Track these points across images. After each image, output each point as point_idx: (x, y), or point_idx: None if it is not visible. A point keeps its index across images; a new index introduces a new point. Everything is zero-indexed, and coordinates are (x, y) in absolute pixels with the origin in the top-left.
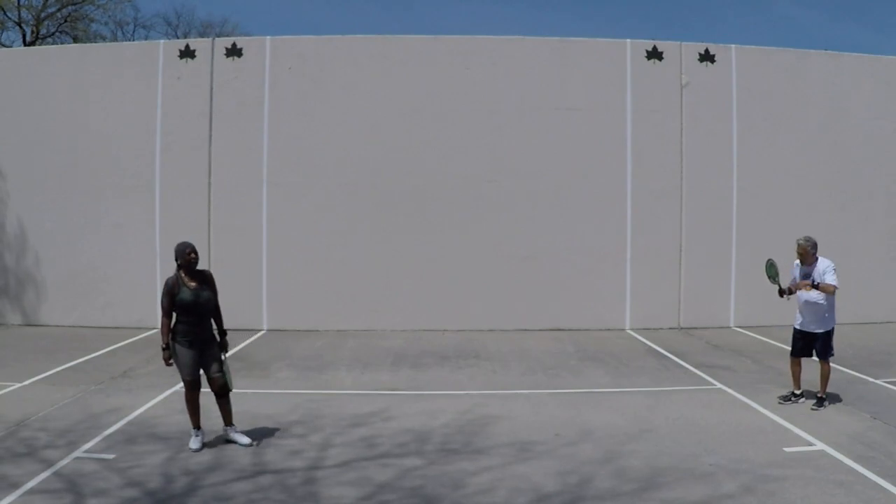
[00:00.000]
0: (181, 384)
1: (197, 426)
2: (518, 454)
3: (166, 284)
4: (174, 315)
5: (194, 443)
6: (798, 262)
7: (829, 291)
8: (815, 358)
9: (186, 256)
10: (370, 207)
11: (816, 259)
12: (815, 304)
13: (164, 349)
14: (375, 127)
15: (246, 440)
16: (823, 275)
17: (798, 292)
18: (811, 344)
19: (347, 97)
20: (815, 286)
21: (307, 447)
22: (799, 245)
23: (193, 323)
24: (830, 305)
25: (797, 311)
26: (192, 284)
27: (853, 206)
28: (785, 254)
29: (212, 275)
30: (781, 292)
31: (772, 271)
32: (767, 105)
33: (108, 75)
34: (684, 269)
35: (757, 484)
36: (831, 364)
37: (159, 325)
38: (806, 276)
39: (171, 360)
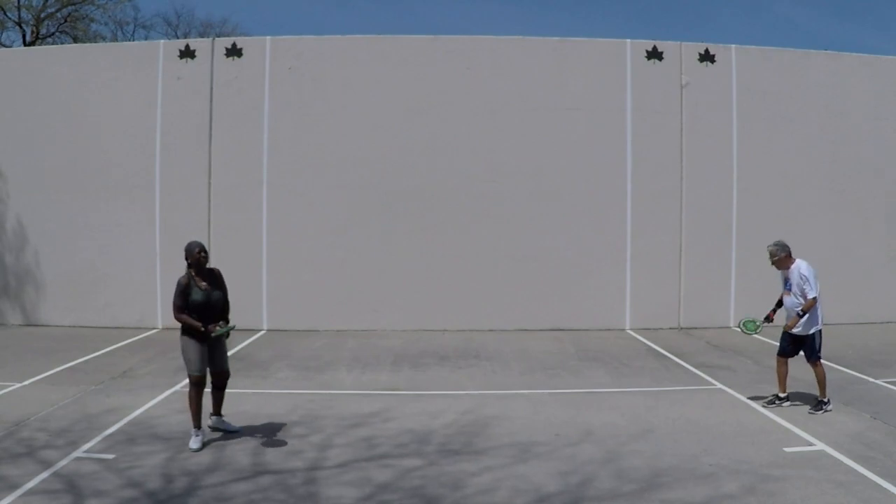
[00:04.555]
0: (181, 384)
1: (198, 426)
2: (518, 454)
3: (179, 284)
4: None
5: (195, 442)
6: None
7: (811, 307)
8: (804, 359)
9: (195, 255)
10: (370, 207)
11: (792, 261)
12: (795, 310)
13: (204, 329)
14: (375, 127)
15: (234, 427)
16: (801, 287)
17: (784, 298)
18: (799, 347)
19: (347, 97)
20: (801, 315)
21: (307, 447)
22: (769, 252)
23: (206, 321)
24: (813, 309)
25: (786, 316)
26: (204, 285)
27: (853, 207)
28: None
29: (220, 272)
30: (767, 318)
31: (751, 326)
32: (767, 105)
33: (108, 75)
34: (684, 269)
35: (757, 484)
36: (824, 364)
37: (181, 323)
38: (784, 280)
39: (212, 332)
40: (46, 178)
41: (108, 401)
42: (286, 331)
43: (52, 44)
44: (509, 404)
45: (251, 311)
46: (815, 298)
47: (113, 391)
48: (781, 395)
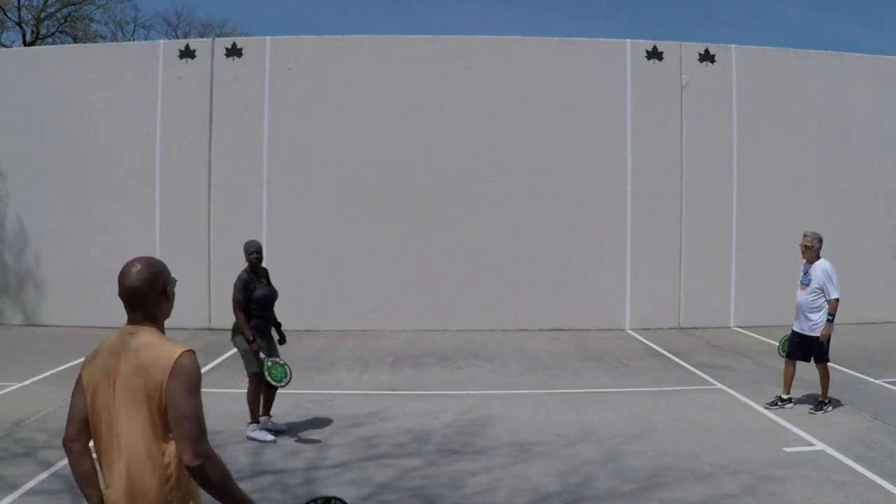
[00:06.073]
0: None
1: (256, 420)
2: (518, 454)
3: (241, 280)
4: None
5: (267, 435)
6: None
7: (836, 308)
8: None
9: (248, 256)
10: (370, 207)
11: (818, 258)
12: (811, 309)
13: (252, 342)
14: (375, 127)
15: (283, 426)
16: (825, 286)
17: (798, 294)
18: (808, 348)
19: (347, 97)
20: (830, 320)
21: (307, 447)
22: (806, 238)
23: (264, 317)
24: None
25: (796, 314)
26: (263, 281)
27: (853, 206)
28: (784, 253)
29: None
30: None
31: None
32: (767, 105)
33: (108, 75)
34: (684, 269)
35: (757, 484)
36: (830, 365)
37: (238, 322)
38: (804, 274)
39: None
40: (46, 178)
41: None
42: (286, 331)
43: (52, 44)
44: (509, 404)
45: None
46: (838, 299)
47: None
48: (784, 396)
